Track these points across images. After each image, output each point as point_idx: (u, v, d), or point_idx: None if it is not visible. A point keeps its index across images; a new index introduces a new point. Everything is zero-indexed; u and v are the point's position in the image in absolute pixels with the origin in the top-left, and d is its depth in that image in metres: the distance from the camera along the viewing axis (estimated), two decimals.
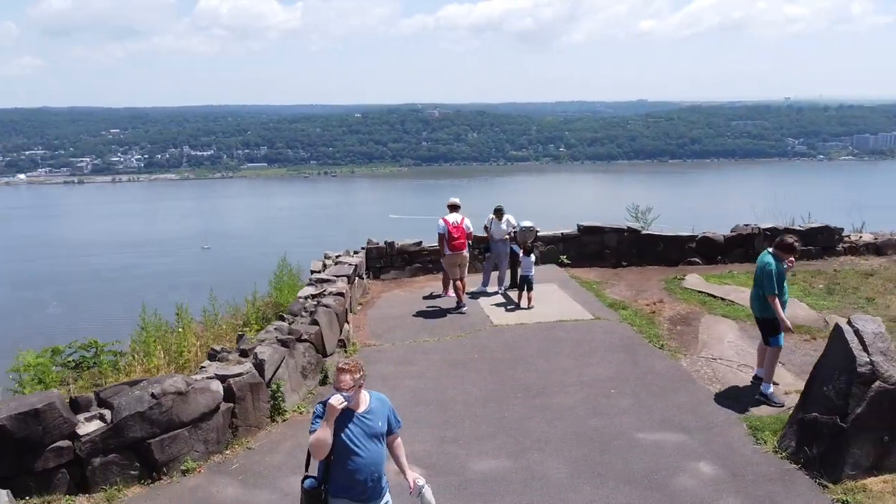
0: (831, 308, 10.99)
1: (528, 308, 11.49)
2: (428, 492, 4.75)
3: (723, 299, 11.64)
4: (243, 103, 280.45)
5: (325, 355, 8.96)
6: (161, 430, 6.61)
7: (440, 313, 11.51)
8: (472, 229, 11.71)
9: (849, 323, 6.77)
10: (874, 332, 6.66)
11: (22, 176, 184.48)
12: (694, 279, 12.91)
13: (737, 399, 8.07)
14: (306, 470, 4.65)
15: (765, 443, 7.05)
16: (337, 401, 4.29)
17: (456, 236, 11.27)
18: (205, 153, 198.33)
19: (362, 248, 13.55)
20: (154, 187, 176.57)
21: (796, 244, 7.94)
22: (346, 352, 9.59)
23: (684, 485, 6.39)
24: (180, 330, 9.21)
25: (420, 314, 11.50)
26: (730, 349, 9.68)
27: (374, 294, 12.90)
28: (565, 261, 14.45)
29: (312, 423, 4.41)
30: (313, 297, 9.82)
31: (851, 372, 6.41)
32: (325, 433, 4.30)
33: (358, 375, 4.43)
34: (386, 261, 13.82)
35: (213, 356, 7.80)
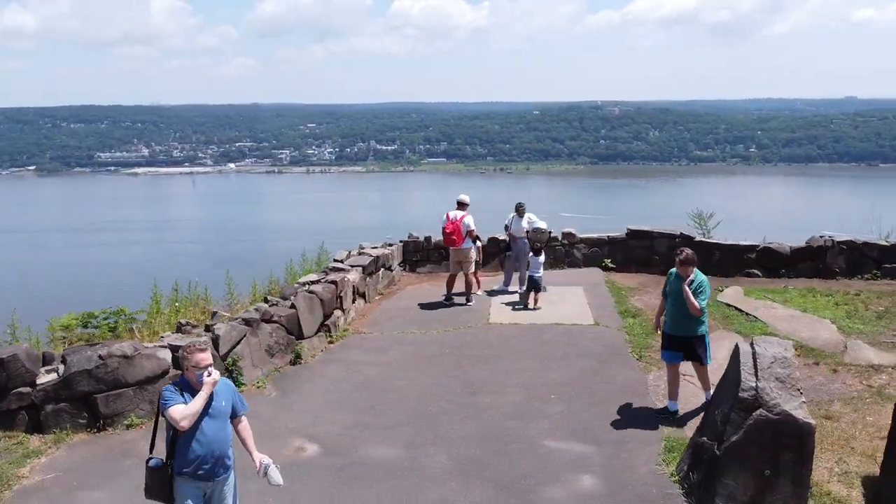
0: (865, 333, 9.85)
1: (534, 309, 11.43)
2: (274, 471, 5.03)
3: (748, 315, 10.82)
4: (427, 100, 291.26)
5: (300, 338, 9.67)
6: (107, 388, 7.65)
7: (445, 307, 11.80)
8: (472, 227, 11.79)
9: (751, 344, 6.25)
10: (774, 357, 6.11)
11: (232, 165, 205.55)
12: (732, 291, 12.05)
13: (677, 418, 7.66)
14: (151, 452, 4.89)
15: (668, 464, 6.71)
16: (214, 377, 4.77)
17: (448, 231, 11.49)
18: (389, 148, 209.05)
19: (400, 242, 14.11)
20: (342, 179, 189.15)
21: (688, 257, 7.41)
22: (330, 337, 10.24)
23: (552, 496, 6.29)
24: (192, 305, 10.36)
25: (427, 307, 11.86)
26: (717, 367, 9.06)
27: (402, 286, 13.44)
28: (609, 265, 14.03)
29: (165, 401, 4.72)
30: (311, 283, 10.56)
31: (734, 396, 5.95)
32: (197, 405, 4.66)
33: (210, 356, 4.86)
34: (423, 255, 14.29)
35: (179, 328, 8.79)
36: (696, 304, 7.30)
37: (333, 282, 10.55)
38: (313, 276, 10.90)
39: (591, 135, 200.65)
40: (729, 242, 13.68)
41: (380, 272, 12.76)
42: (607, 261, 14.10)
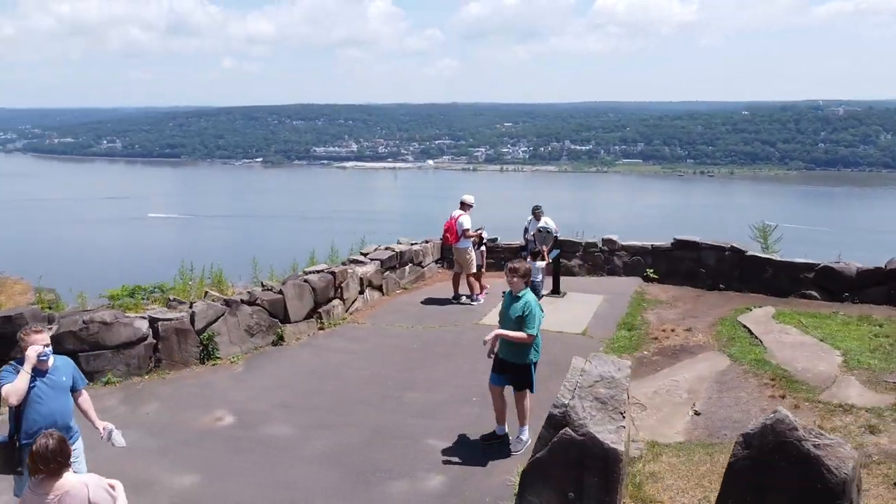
0: (872, 369, 8.60)
1: None
2: (117, 434, 5.68)
3: (754, 338, 9.87)
4: (625, 100, 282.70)
5: (286, 321, 10.50)
6: (89, 348, 8.99)
7: (450, 306, 12.04)
8: (465, 226, 11.99)
9: (586, 360, 5.97)
10: (601, 376, 5.82)
11: (431, 162, 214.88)
12: (762, 312, 10.98)
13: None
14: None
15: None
16: (35, 351, 5.26)
17: (445, 229, 11.76)
18: (583, 148, 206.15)
19: (439, 239, 14.39)
20: (535, 178, 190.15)
21: (516, 268, 6.93)
22: (321, 323, 10.96)
23: (395, 490, 6.51)
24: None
25: (434, 304, 12.17)
26: (678, 391, 8.51)
27: (430, 282, 13.79)
28: (651, 275, 13.29)
29: (1, 379, 5.18)
30: (314, 272, 11.36)
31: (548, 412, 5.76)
32: (22, 381, 5.13)
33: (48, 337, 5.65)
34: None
35: (168, 303, 9.99)
36: (519, 335, 6.78)
37: (332, 272, 11.26)
38: (319, 266, 11.66)
39: (809, 137, 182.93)
40: (784, 259, 12.36)
41: (406, 267, 13.24)
42: (650, 271, 13.36)
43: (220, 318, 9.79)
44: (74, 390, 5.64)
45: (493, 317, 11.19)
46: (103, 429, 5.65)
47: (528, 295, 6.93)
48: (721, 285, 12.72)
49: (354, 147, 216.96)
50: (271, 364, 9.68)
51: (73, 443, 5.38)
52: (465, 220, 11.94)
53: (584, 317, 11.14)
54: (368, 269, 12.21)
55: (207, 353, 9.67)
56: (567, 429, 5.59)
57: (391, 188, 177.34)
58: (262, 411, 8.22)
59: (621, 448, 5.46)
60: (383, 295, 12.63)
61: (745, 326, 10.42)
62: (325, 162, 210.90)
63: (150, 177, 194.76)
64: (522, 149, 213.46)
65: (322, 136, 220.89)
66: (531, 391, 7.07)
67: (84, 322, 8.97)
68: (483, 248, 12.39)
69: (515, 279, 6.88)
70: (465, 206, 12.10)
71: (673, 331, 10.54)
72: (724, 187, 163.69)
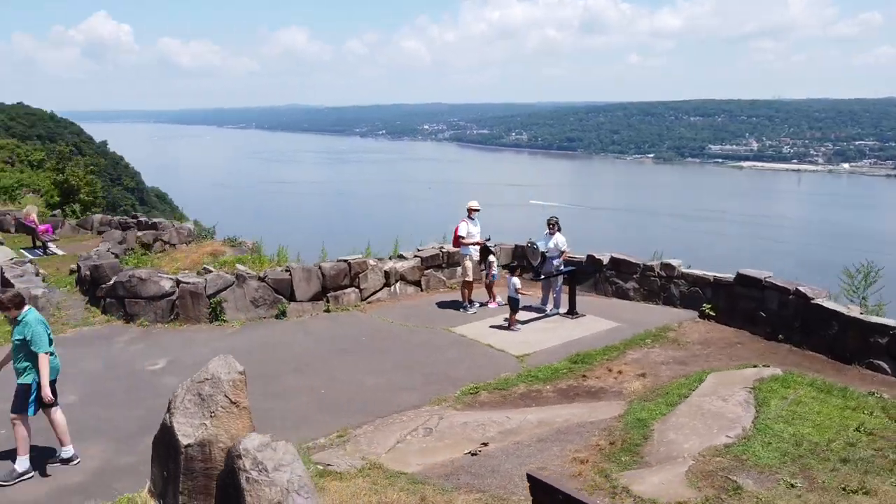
0: (758, 467, 6.54)
1: (511, 329, 10.77)
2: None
3: (682, 401, 8.10)
4: None
5: (291, 299, 11.99)
6: (130, 296, 11.79)
7: (451, 310, 12.07)
8: (459, 233, 11.87)
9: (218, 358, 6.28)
10: (213, 375, 6.13)
11: (846, 165, 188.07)
12: (752, 373, 8.69)
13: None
14: None
15: None
16: None
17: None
18: None
19: (516, 245, 14.04)
20: None
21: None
22: (328, 306, 12.16)
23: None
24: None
25: (442, 306, 12.30)
26: (490, 428, 7.78)
27: (478, 284, 13.60)
28: (708, 311, 11.11)
29: None
30: (340, 260, 12.57)
31: None
32: None
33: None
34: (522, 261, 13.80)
35: (203, 270, 12.27)
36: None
37: (347, 262, 12.35)
38: (357, 258, 12.77)
39: None
40: (854, 315, 9.27)
41: (457, 268, 13.40)
42: (707, 306, 11.17)
43: (228, 287, 11.74)
44: None
45: (466, 328, 11.10)
46: None
47: (32, 315, 6.72)
48: (780, 335, 10.17)
49: (755, 146, 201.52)
50: (257, 332, 11.29)
51: None
52: (462, 227, 11.84)
53: (554, 342, 10.24)
54: (404, 265, 12.90)
55: (215, 315, 11.72)
56: (167, 415, 6.11)
57: (792, 192, 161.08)
58: (194, 363, 9.85)
59: (190, 441, 5.81)
60: (421, 291, 13.16)
61: (700, 381, 8.52)
62: (720, 160, 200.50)
63: (546, 167, 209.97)
64: None
65: (720, 134, 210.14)
66: (27, 413, 6.73)
67: (129, 276, 11.77)
68: (492, 257, 12.03)
69: (12, 309, 6.68)
70: (470, 211, 11.94)
71: (620, 372, 9.14)
72: None
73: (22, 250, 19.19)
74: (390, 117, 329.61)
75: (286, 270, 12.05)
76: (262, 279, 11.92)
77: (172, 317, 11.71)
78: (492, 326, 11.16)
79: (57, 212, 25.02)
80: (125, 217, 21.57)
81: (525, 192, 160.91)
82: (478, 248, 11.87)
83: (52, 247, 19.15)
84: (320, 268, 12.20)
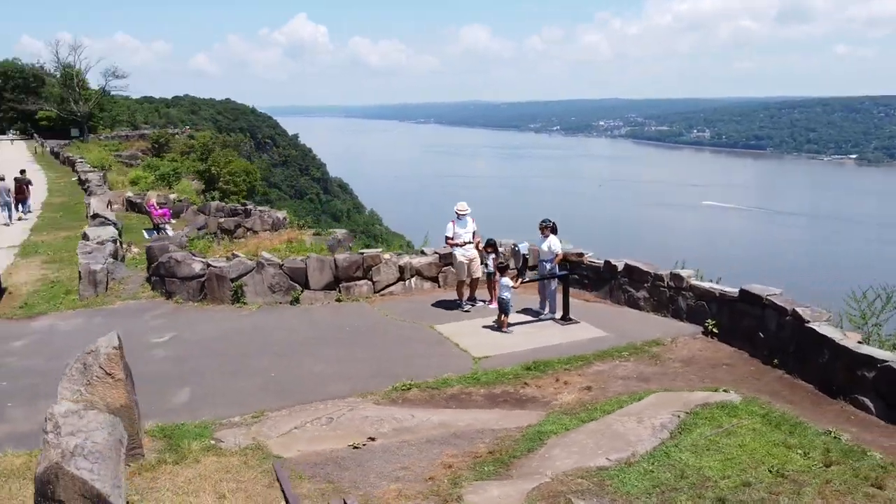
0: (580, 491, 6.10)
1: (501, 331, 10.60)
2: None
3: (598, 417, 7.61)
4: None
5: (306, 287, 12.63)
6: (168, 276, 13.05)
7: (449, 309, 12.02)
8: (446, 234, 11.82)
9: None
10: (96, 349, 6.72)
11: None
12: (700, 397, 7.90)
13: None
14: None
15: None
16: None
17: None
18: None
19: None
20: None
21: None
22: (339, 296, 12.64)
23: None
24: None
25: (443, 305, 12.23)
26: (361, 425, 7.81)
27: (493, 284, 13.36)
28: (712, 328, 10.11)
29: None
30: (360, 254, 13.01)
31: None
32: None
33: None
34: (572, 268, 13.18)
35: (231, 256, 13.25)
36: None
37: (361, 254, 12.76)
38: (368, 250, 13.16)
39: None
40: (844, 343, 8.02)
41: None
42: (710, 323, 10.16)
43: (248, 273, 12.61)
44: None
45: (448, 328, 11.08)
46: None
47: None
48: (775, 360, 9.09)
49: None
50: (265, 315, 12.05)
51: None
52: (448, 228, 11.75)
53: (524, 346, 9.92)
54: (421, 260, 13.07)
55: (237, 297, 12.64)
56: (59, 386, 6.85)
57: None
58: (197, 339, 10.83)
59: (70, 406, 6.45)
60: (438, 287, 13.22)
61: (638, 400, 7.92)
62: None
63: (729, 167, 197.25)
64: None
65: None
66: None
67: (167, 258, 13.02)
68: (492, 257, 11.77)
69: None
70: (458, 213, 11.80)
71: (566, 383, 8.70)
72: None
73: (144, 231, 21.77)
74: (565, 113, 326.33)
75: (303, 260, 12.69)
76: (280, 266, 12.65)
77: (202, 296, 12.79)
78: (484, 326, 11.02)
79: (200, 197, 27.92)
80: (235, 206, 23.57)
81: (702, 193, 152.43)
82: (467, 248, 11.73)
83: (167, 229, 21.47)
84: (334, 259, 12.71)
